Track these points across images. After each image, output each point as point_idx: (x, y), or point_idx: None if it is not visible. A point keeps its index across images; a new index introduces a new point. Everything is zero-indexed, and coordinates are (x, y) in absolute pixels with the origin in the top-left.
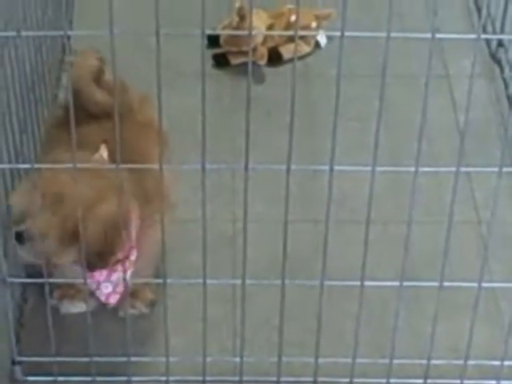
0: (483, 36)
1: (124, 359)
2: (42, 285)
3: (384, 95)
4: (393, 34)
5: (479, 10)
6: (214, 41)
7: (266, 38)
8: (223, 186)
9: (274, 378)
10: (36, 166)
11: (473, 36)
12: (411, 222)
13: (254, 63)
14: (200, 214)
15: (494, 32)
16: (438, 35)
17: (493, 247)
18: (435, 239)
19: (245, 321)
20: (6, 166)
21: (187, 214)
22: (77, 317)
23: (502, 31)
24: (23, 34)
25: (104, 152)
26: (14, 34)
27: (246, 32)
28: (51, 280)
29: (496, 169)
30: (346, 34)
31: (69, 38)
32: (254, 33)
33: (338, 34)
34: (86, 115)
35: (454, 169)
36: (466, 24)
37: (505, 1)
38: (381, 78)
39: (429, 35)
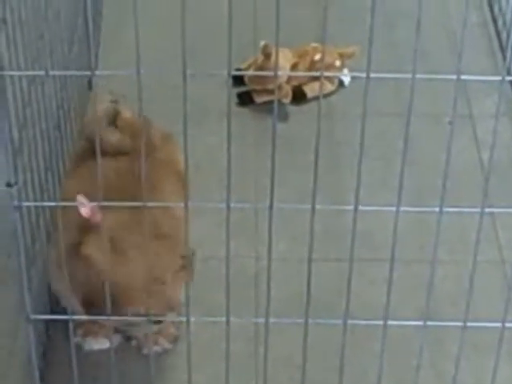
0: (508, 78)
1: None
2: (65, 322)
3: (408, 134)
4: (418, 76)
5: (503, 50)
6: (238, 79)
7: (290, 77)
8: (246, 223)
9: None
10: (60, 203)
11: (497, 78)
12: (435, 262)
13: (278, 101)
14: (223, 252)
15: None
16: (462, 77)
17: None
18: (459, 279)
19: (267, 359)
20: (31, 203)
21: (211, 251)
22: (100, 354)
23: None
24: (51, 73)
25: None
26: (42, 73)
27: (271, 72)
28: (75, 317)
29: None
30: (372, 75)
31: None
32: (279, 73)
33: (364, 75)
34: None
35: (478, 209)
36: (490, 63)
37: None
38: (406, 118)
39: (454, 77)
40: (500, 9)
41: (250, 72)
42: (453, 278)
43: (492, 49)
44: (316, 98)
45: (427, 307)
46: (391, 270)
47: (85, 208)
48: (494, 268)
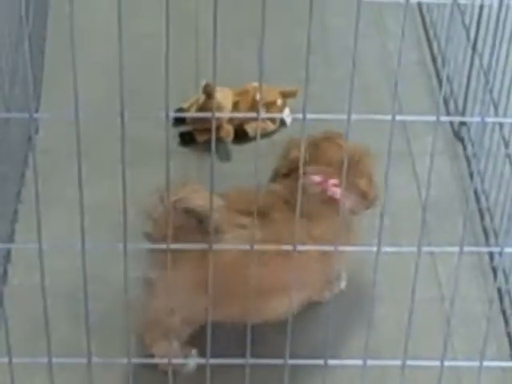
0: (443, 118)
1: None
2: None
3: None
4: (353, 116)
5: (442, 88)
6: (180, 118)
7: (231, 113)
8: None
9: None
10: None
11: (433, 118)
12: (374, 300)
13: (220, 140)
14: None
15: (457, 110)
16: (398, 117)
17: (456, 324)
18: (399, 317)
19: None
20: None
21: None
22: None
23: (464, 111)
24: None
25: None
26: None
27: (209, 114)
28: None
29: (457, 248)
30: (308, 116)
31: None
32: (217, 115)
33: (301, 116)
34: None
35: (415, 248)
36: (430, 101)
37: (467, 80)
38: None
39: (389, 117)
40: (439, 47)
41: (189, 114)
42: (393, 316)
43: (432, 87)
44: (260, 137)
45: (366, 346)
46: (330, 308)
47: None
48: (433, 305)
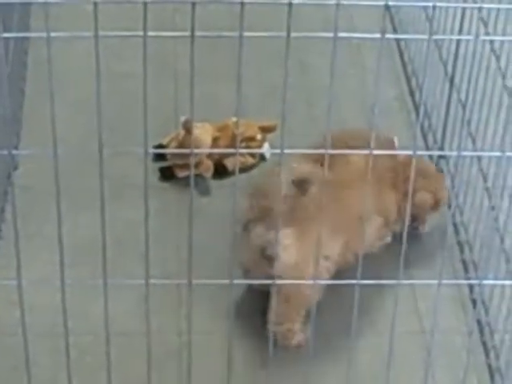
0: (419, 152)
1: None
2: None
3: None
4: (330, 151)
5: (420, 123)
6: (160, 154)
7: (211, 149)
8: (169, 297)
9: None
10: None
11: (410, 152)
12: (355, 334)
13: (199, 176)
14: (145, 328)
15: (436, 143)
16: (375, 152)
17: (436, 356)
18: (379, 350)
19: None
20: None
21: (134, 327)
22: None
23: (443, 144)
24: None
25: None
26: None
27: (188, 150)
28: None
29: (436, 281)
30: (286, 151)
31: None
32: (196, 151)
33: (278, 151)
34: None
35: (395, 281)
36: (410, 134)
37: (445, 114)
38: None
39: (367, 152)
40: (417, 82)
41: (168, 150)
42: (374, 349)
43: (410, 121)
44: (239, 171)
45: (348, 380)
46: (311, 343)
47: None
48: (414, 338)
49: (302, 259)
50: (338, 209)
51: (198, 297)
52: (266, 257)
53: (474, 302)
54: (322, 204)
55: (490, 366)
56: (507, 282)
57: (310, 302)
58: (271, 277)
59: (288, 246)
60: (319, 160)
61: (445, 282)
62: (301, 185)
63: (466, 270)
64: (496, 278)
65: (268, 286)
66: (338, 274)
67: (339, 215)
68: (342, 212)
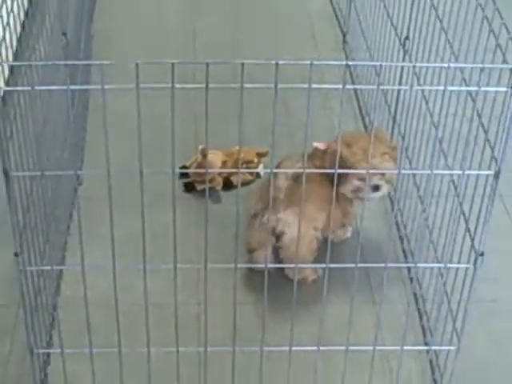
0: (371, 171)
1: None
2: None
3: None
4: (307, 170)
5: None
6: (184, 173)
7: (221, 169)
8: (190, 278)
9: None
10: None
11: (363, 171)
12: (324, 302)
13: (212, 188)
14: (173, 300)
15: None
16: (339, 170)
17: (383, 320)
18: (343, 315)
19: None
20: (33, 268)
21: (165, 299)
22: None
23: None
24: (46, 173)
25: None
26: (38, 173)
27: (204, 170)
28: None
29: (383, 264)
30: (274, 170)
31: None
32: (210, 170)
33: (269, 170)
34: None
35: (354, 265)
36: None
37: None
38: None
39: (333, 170)
40: (369, 120)
41: (191, 170)
42: (339, 315)
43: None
44: (241, 186)
45: (319, 334)
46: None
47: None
48: (367, 307)
49: (301, 231)
50: (320, 194)
51: (212, 277)
52: (275, 234)
53: (411, 279)
54: (311, 191)
55: (422, 327)
56: (434, 265)
57: (309, 261)
58: (275, 252)
59: (290, 223)
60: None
61: (390, 265)
62: (295, 178)
63: (405, 256)
64: (426, 262)
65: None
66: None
67: (321, 198)
68: (322, 196)
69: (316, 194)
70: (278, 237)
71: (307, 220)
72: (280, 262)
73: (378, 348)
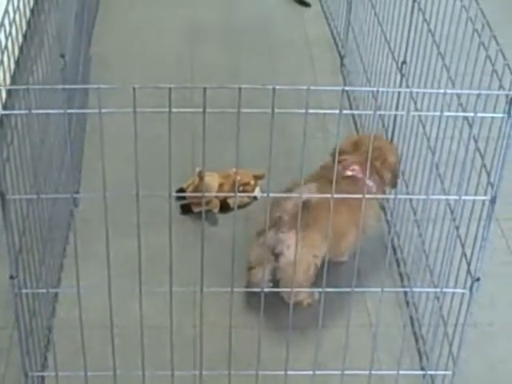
0: (367, 196)
1: None
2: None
3: None
4: (306, 195)
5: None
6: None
7: (218, 192)
8: (186, 300)
9: None
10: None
11: (359, 196)
12: (320, 326)
13: (209, 211)
14: (169, 322)
15: None
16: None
17: (379, 342)
18: (339, 338)
19: None
20: (28, 290)
21: (160, 321)
22: None
23: None
24: (43, 196)
25: None
26: (34, 196)
27: (201, 194)
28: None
29: (379, 289)
30: (271, 194)
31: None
32: (206, 194)
33: (265, 194)
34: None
35: (350, 289)
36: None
37: None
38: None
39: (328, 195)
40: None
41: (187, 194)
42: (335, 338)
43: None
44: (237, 208)
45: (315, 358)
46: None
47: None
48: (364, 330)
49: (299, 256)
50: (327, 222)
51: (208, 299)
52: (274, 254)
53: (407, 303)
54: (319, 218)
55: (418, 351)
56: (431, 290)
57: (304, 286)
58: (273, 271)
59: (290, 245)
60: (322, 177)
61: (386, 289)
62: (304, 205)
63: (401, 279)
64: (422, 286)
65: (262, 286)
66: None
67: (327, 227)
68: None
69: (324, 222)
70: (277, 257)
71: (308, 246)
72: (277, 282)
73: (373, 372)
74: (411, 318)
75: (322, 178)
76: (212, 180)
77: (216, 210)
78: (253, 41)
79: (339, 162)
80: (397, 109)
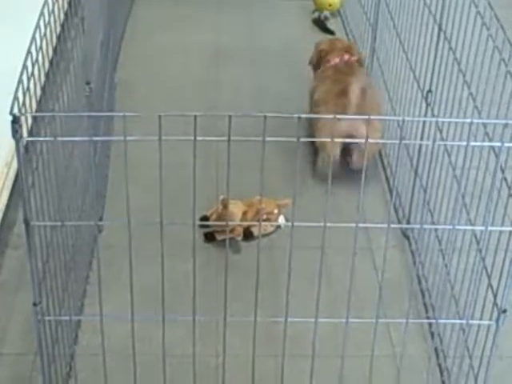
0: (393, 225)
1: None
2: None
3: (324, 265)
4: (329, 224)
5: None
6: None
7: (241, 220)
8: (209, 329)
9: None
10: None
11: (385, 225)
12: (344, 356)
13: (233, 239)
14: (192, 351)
15: (404, 216)
16: (361, 225)
17: (404, 374)
18: (363, 369)
19: None
20: (51, 317)
21: (183, 350)
22: None
23: (409, 217)
24: (67, 223)
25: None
26: (58, 223)
27: (224, 222)
28: None
29: (404, 320)
30: (296, 223)
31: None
32: (230, 223)
33: (290, 224)
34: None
35: (373, 320)
36: (385, 210)
37: (411, 195)
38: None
39: (353, 224)
40: (391, 172)
41: (210, 222)
42: (359, 369)
43: (386, 200)
44: (262, 236)
45: None
46: (313, 364)
47: None
48: (388, 360)
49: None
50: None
51: (231, 328)
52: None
53: (432, 334)
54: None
55: (443, 382)
56: (456, 321)
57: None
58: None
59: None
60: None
61: (411, 320)
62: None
63: (426, 310)
64: (447, 318)
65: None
66: None
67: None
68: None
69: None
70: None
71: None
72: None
73: None
74: (436, 349)
75: (335, 79)
76: (236, 208)
77: (239, 238)
78: (277, 66)
79: (326, 61)
80: (422, 138)
